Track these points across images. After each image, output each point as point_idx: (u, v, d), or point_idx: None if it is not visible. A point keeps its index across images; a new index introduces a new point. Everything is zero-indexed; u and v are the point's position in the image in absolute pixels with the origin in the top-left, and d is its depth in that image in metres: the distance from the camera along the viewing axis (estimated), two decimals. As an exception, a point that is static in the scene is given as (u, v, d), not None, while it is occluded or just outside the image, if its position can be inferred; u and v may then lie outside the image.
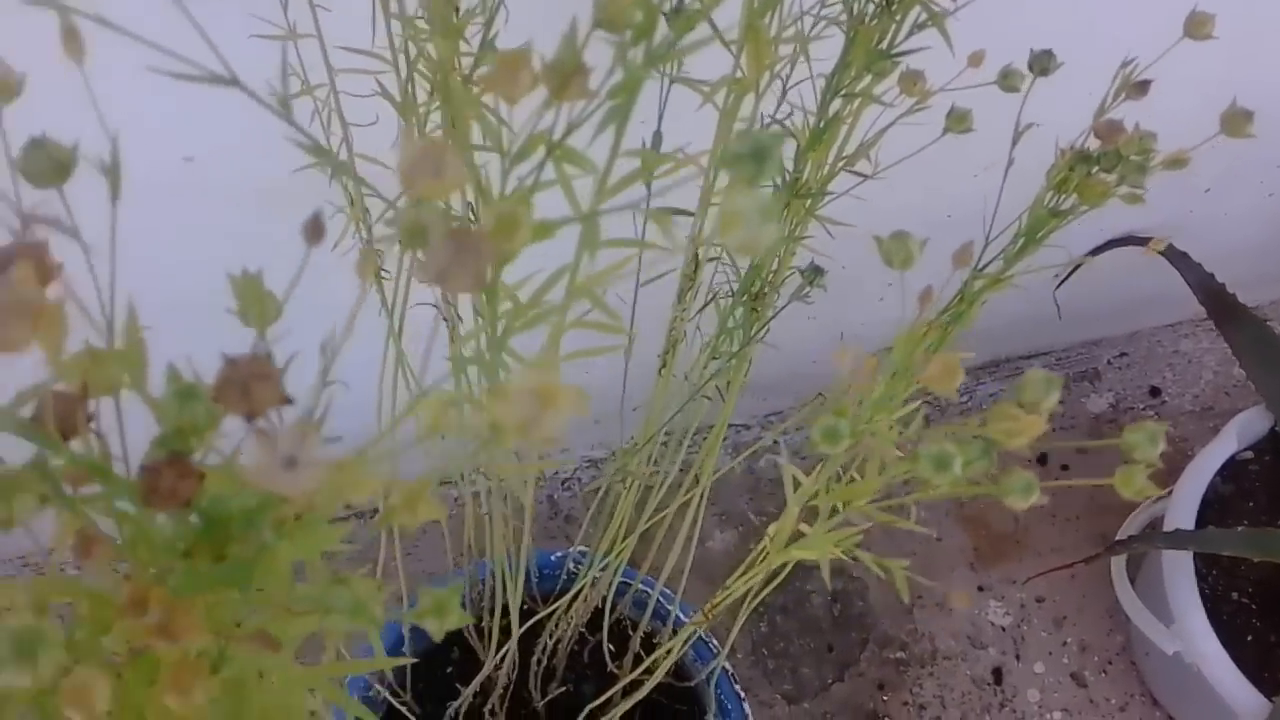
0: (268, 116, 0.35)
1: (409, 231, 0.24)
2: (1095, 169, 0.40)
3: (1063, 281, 1.17)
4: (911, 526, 0.39)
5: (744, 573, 0.51)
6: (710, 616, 0.61)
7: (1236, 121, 0.40)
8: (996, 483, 0.32)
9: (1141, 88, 0.41)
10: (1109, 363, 1.36)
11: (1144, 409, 1.32)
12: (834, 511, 0.39)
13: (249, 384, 0.18)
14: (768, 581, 0.78)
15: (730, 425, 0.83)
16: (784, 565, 0.76)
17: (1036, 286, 1.25)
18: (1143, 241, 1.10)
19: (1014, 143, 0.42)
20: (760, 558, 0.48)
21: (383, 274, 0.60)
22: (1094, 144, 0.40)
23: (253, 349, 0.18)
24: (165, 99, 0.63)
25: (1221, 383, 1.35)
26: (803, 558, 0.41)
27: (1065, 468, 1.27)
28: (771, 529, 0.44)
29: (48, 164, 0.22)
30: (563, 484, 1.27)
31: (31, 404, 0.20)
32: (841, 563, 1.30)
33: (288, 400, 0.18)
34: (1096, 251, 1.14)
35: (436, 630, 0.25)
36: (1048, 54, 0.41)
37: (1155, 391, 1.34)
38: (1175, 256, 1.08)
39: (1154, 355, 1.37)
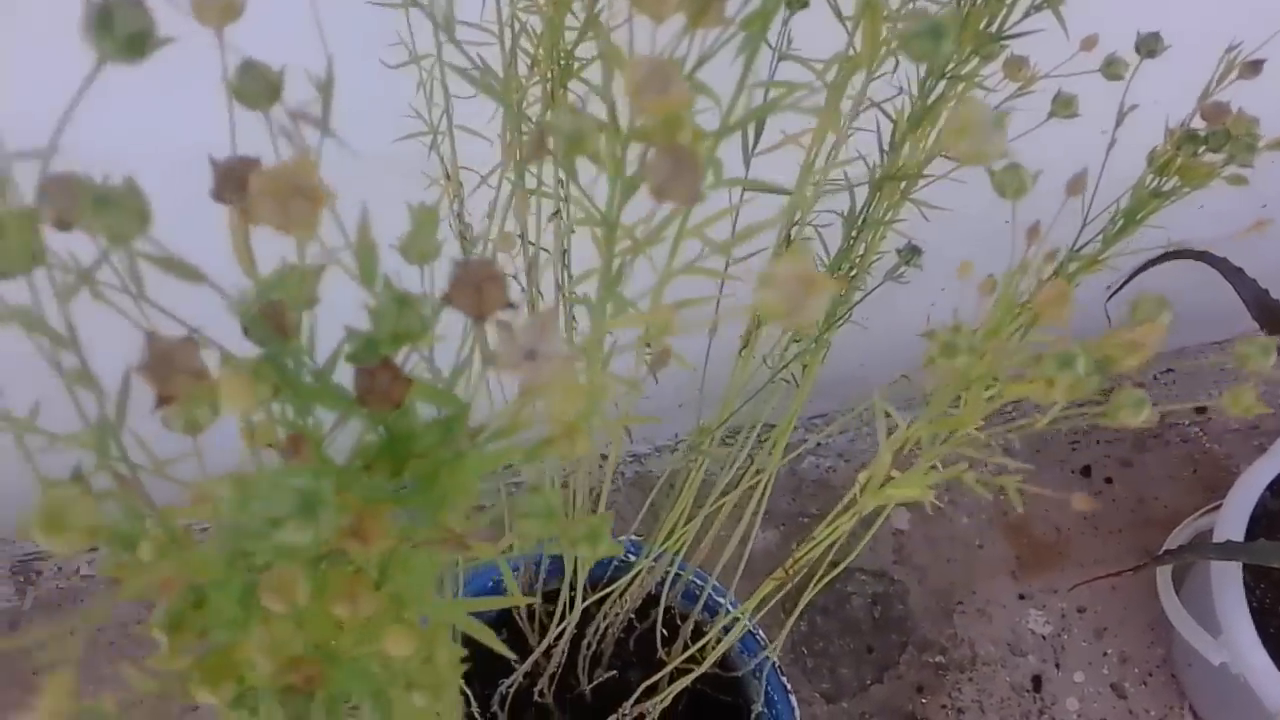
0: (351, 86, 0.36)
1: (570, 139, 0.25)
2: (1202, 149, 0.41)
3: (1115, 293, 1.17)
4: (1006, 461, 0.39)
5: (831, 522, 0.51)
6: (790, 572, 0.62)
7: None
8: (1108, 401, 0.33)
9: (1254, 67, 0.41)
10: (1155, 377, 1.36)
11: (1189, 424, 1.32)
12: (931, 444, 0.40)
13: (482, 285, 0.19)
14: (813, 578, 0.78)
15: (772, 426, 0.84)
16: (830, 566, 0.77)
17: (1086, 300, 1.25)
18: (1196, 255, 1.10)
19: (1117, 123, 0.43)
20: (847, 508, 0.49)
21: (469, 247, 0.61)
22: (1199, 125, 0.41)
23: (470, 260, 0.19)
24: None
25: (1268, 401, 1.34)
26: (899, 498, 0.42)
27: (1109, 480, 1.27)
28: (862, 476, 0.44)
29: (261, 86, 0.23)
30: (599, 486, 1.27)
31: (250, 306, 0.21)
32: (882, 566, 1.30)
33: (512, 304, 0.19)
34: (1150, 264, 1.14)
35: (590, 556, 0.26)
36: (1155, 36, 0.42)
37: (1201, 409, 1.34)
38: (1230, 271, 1.08)
39: (1201, 371, 1.37)
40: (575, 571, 0.73)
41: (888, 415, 0.45)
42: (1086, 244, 0.48)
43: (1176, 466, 1.28)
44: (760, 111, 0.31)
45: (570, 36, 0.49)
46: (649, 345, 0.50)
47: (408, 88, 0.53)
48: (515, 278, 0.62)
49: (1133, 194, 0.45)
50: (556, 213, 0.54)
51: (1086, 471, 1.27)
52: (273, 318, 0.21)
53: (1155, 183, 0.44)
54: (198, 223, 0.36)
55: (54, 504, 0.17)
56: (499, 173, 0.54)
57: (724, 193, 0.37)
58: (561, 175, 0.56)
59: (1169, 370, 1.36)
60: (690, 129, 0.23)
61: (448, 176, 0.56)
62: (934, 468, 0.43)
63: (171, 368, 0.17)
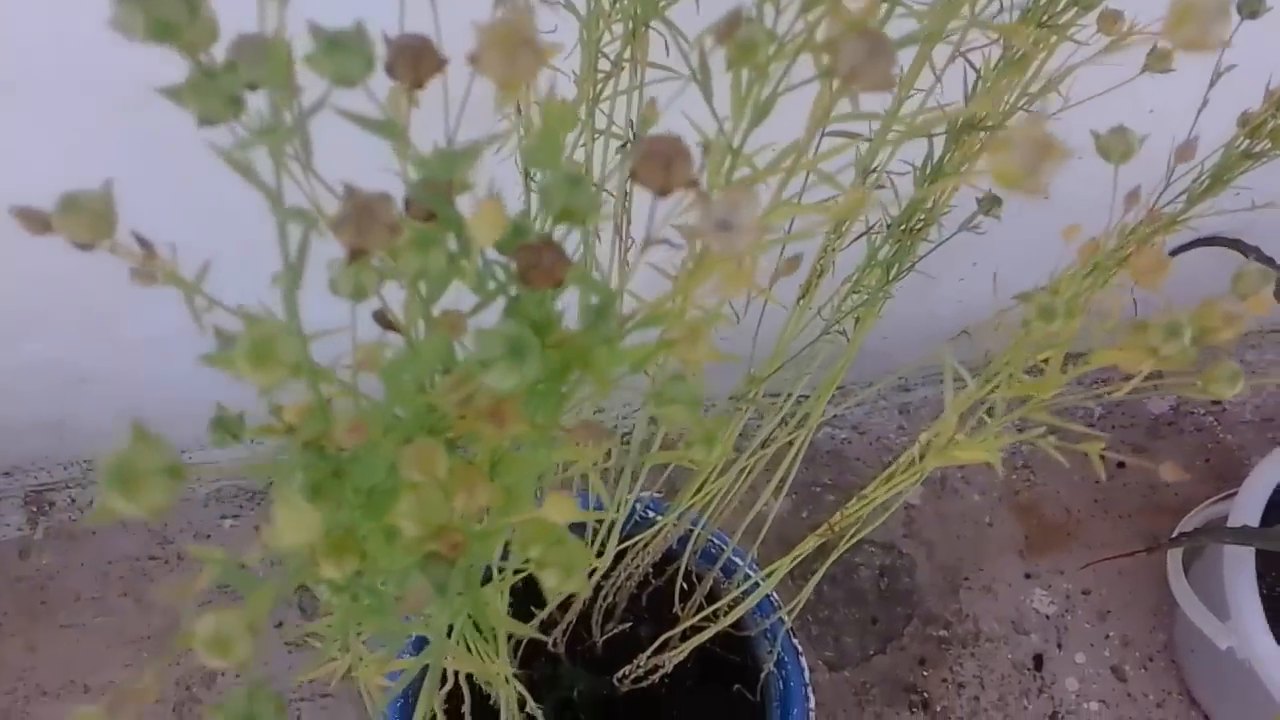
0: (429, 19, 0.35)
1: (741, 48, 0.25)
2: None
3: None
4: (1085, 431, 0.39)
5: (886, 480, 0.51)
6: (834, 529, 0.62)
7: None
8: (1202, 373, 0.33)
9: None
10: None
11: (1204, 414, 1.32)
12: (1004, 410, 0.40)
13: (671, 161, 0.18)
14: (828, 551, 0.79)
15: (789, 396, 0.84)
16: (845, 537, 0.78)
17: (1114, 284, 1.25)
18: (1229, 242, 1.10)
19: (1211, 83, 0.42)
20: (906, 468, 0.49)
21: (532, 184, 0.61)
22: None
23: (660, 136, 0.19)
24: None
25: (1283, 395, 1.35)
26: (965, 460, 0.42)
27: (1121, 465, 1.27)
28: (924, 436, 0.44)
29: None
30: (622, 439, 1.27)
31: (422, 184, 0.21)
32: (891, 539, 1.30)
33: (696, 183, 0.19)
34: (1180, 250, 1.14)
35: (703, 458, 0.25)
36: (1260, -4, 0.42)
37: (1215, 403, 1.34)
38: (1261, 260, 1.08)
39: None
40: (613, 520, 0.73)
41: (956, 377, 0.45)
42: (1169, 204, 0.48)
43: (1190, 455, 1.29)
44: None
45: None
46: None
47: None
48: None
49: (1223, 154, 0.44)
50: (625, 145, 0.53)
51: (1101, 455, 1.28)
52: (440, 191, 0.21)
53: (1246, 144, 0.43)
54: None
55: (260, 337, 0.17)
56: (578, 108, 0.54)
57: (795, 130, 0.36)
58: (632, 117, 0.55)
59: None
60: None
61: (518, 111, 0.55)
62: (1006, 431, 0.43)
63: (371, 220, 0.16)
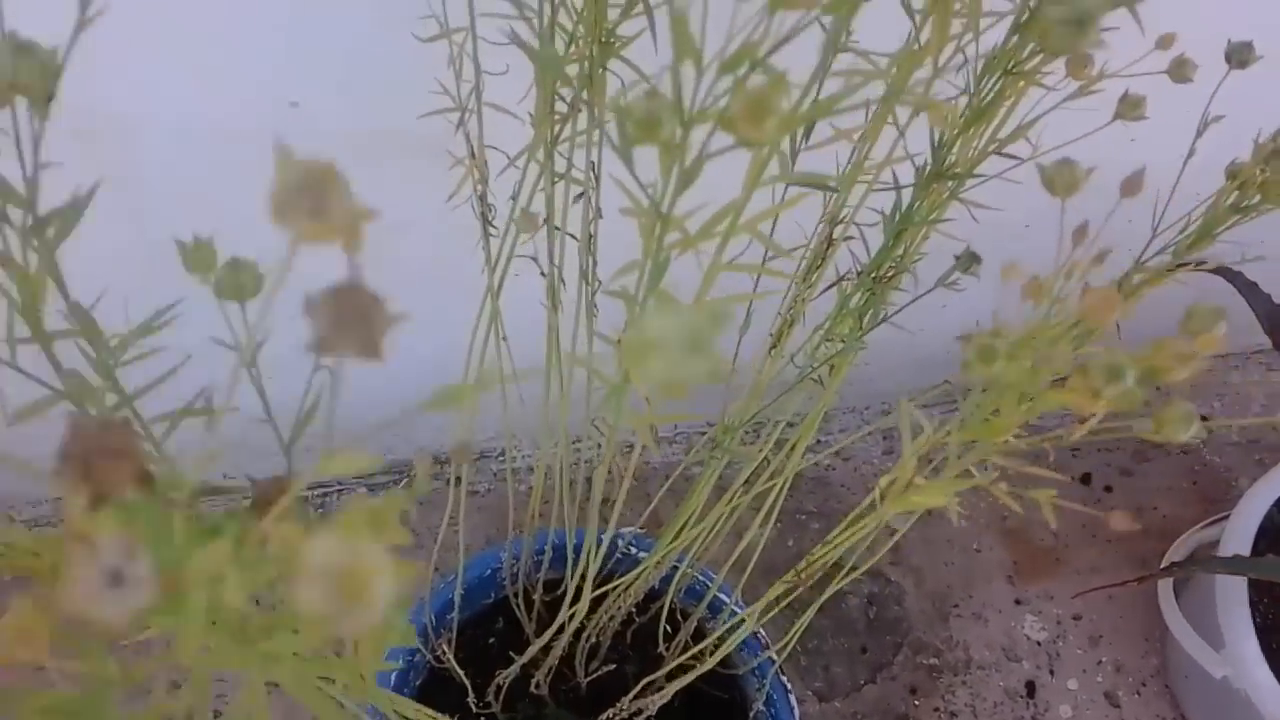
0: (377, 61, 0.34)
1: (641, 126, 0.23)
2: (1287, 168, 0.40)
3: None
4: (1046, 473, 0.38)
5: (846, 528, 0.50)
6: (802, 577, 0.60)
7: None
8: (1153, 415, 0.31)
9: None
10: (1158, 389, 1.35)
11: (1190, 437, 1.31)
12: (960, 453, 0.38)
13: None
14: (822, 584, 0.77)
15: (776, 422, 0.82)
16: (836, 568, 0.76)
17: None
18: (1213, 269, 1.09)
19: (1198, 133, 0.41)
20: (862, 515, 0.47)
21: (491, 230, 0.59)
22: None
23: (106, 418, 0.16)
24: (273, 39, 0.62)
25: (1270, 416, 1.34)
26: (923, 505, 0.40)
27: (1109, 489, 1.26)
28: (883, 480, 0.43)
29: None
30: (610, 476, 1.26)
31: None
32: (879, 567, 1.29)
33: (149, 477, 0.16)
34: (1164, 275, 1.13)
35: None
36: (1247, 46, 0.41)
37: (1203, 420, 1.33)
38: (1244, 286, 1.07)
39: (1203, 384, 1.36)
40: (582, 560, 0.71)
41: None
42: (1153, 257, 0.46)
43: (1176, 477, 1.28)
44: (826, 106, 0.29)
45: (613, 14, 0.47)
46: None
47: (438, 63, 0.51)
48: (536, 259, 0.60)
49: (1211, 207, 0.43)
50: (583, 194, 0.52)
51: (1086, 479, 1.27)
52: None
53: (1235, 197, 0.42)
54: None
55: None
56: (527, 154, 0.53)
57: (770, 188, 0.35)
58: (593, 159, 0.54)
59: (1172, 379, 1.36)
60: (776, 116, 0.21)
61: (473, 155, 0.54)
62: (963, 475, 0.42)
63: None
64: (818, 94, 0.41)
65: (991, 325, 0.36)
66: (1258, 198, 0.41)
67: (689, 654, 0.84)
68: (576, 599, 0.71)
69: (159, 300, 0.86)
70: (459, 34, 0.50)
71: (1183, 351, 0.35)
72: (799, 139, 0.44)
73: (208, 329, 0.41)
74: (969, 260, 0.44)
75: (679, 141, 0.28)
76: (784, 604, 0.87)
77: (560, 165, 0.54)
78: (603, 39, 0.47)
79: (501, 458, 1.19)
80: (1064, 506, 1.22)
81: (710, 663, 0.82)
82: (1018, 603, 1.19)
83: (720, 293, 0.39)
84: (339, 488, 1.21)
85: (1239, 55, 0.41)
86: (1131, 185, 0.40)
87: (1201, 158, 0.44)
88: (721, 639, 0.82)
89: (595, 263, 0.60)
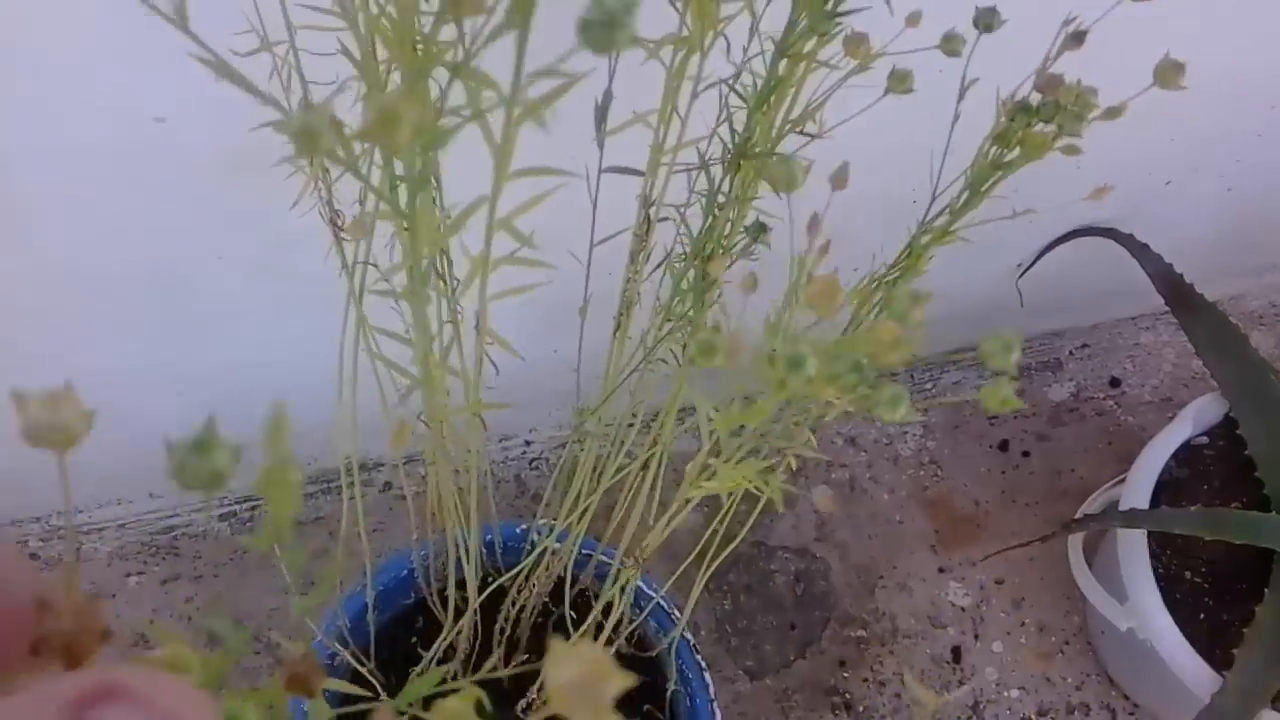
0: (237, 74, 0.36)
1: (301, 135, 0.25)
2: (1035, 121, 0.42)
3: (1025, 271, 1.19)
4: (816, 455, 0.40)
5: (675, 512, 0.52)
6: (639, 559, 0.63)
7: (1168, 73, 0.42)
8: (869, 397, 0.33)
9: (1078, 38, 0.42)
10: (1071, 353, 1.38)
11: (1104, 398, 1.34)
12: (738, 439, 0.40)
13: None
14: (720, 550, 0.79)
15: (633, 420, 0.84)
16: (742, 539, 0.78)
17: (1001, 275, 1.27)
18: (1102, 232, 1.12)
19: (960, 98, 0.43)
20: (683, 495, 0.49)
21: (342, 236, 0.61)
22: (1036, 98, 0.42)
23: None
24: (139, 55, 0.64)
25: (1180, 374, 1.37)
26: (712, 491, 0.43)
27: (1026, 454, 1.29)
28: (690, 466, 0.45)
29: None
30: (530, 464, 1.28)
31: None
32: (805, 543, 1.31)
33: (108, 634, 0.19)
34: (1058, 242, 1.16)
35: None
36: (992, 10, 0.43)
37: (1115, 382, 1.36)
38: (1136, 248, 1.11)
39: (1115, 346, 1.39)
40: (464, 556, 0.73)
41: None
42: (937, 217, 0.49)
43: (1092, 439, 1.31)
44: (543, 101, 0.31)
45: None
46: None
47: (260, 75, 0.52)
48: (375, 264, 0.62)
49: (973, 165, 0.45)
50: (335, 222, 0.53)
51: (1004, 446, 1.29)
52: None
53: (996, 154, 0.44)
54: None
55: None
56: (363, 158, 0.54)
57: (579, 170, 0.37)
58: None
59: (1084, 345, 1.39)
60: (408, 125, 0.23)
61: (311, 164, 0.55)
62: (751, 459, 0.44)
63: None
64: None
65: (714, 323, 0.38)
66: (1016, 151, 0.43)
67: (599, 635, 0.86)
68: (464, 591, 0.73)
69: (50, 322, 0.87)
70: (280, 46, 0.52)
71: (893, 336, 0.35)
72: (604, 122, 0.46)
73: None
74: (758, 230, 0.46)
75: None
76: (693, 579, 0.90)
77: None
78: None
79: (397, 467, 1.21)
80: (983, 473, 1.25)
81: (617, 643, 0.84)
82: (941, 570, 1.21)
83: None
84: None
85: (984, 19, 0.43)
86: (839, 179, 0.41)
87: (970, 120, 0.46)
88: (627, 619, 0.84)
89: (450, 262, 0.61)
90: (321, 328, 0.76)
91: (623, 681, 0.18)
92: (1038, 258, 1.17)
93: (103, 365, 0.92)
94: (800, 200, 0.52)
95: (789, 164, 0.32)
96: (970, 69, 0.44)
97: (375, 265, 0.54)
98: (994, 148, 0.44)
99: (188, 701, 0.16)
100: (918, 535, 1.23)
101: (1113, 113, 0.42)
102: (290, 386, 1.00)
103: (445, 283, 0.62)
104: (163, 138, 0.71)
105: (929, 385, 1.34)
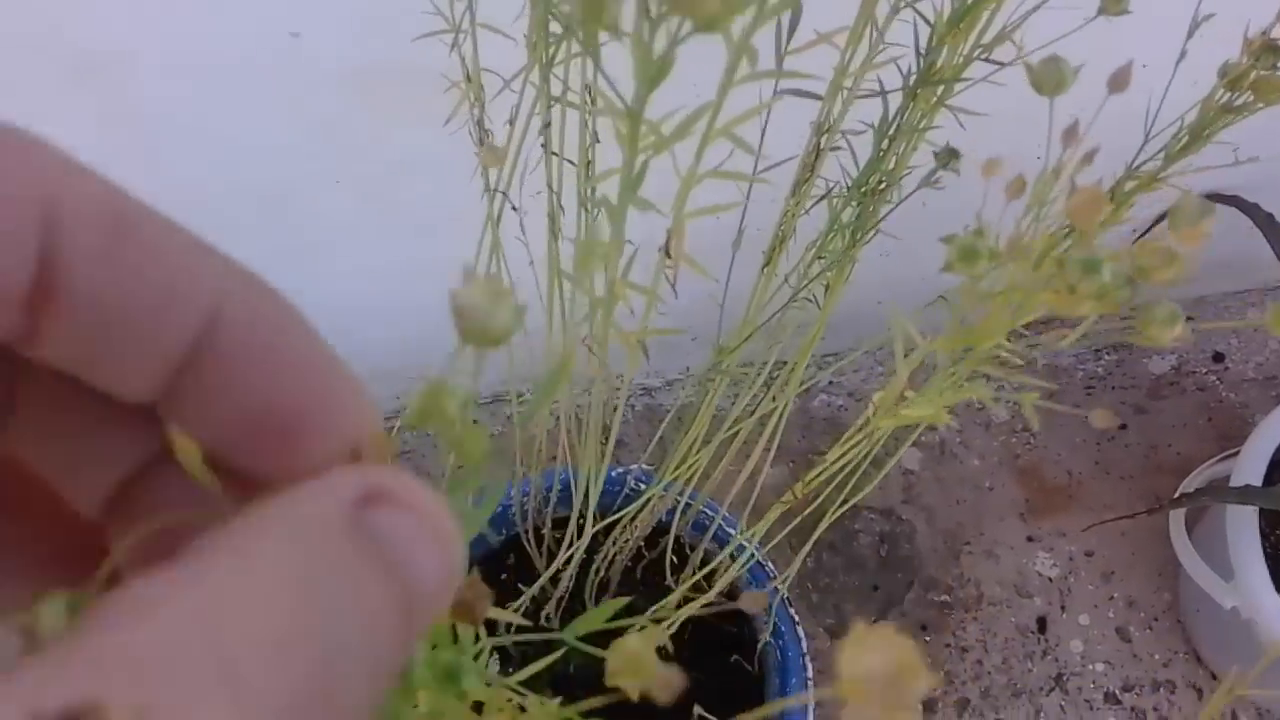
0: None
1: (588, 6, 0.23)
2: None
3: (1141, 236, 1.15)
4: (1027, 380, 0.38)
5: (846, 440, 0.50)
6: (798, 497, 0.61)
7: None
8: (1138, 315, 0.31)
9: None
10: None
11: (1206, 373, 1.30)
12: (952, 364, 0.39)
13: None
14: (823, 515, 0.78)
15: (784, 363, 0.82)
16: (841, 503, 0.77)
17: (1113, 244, 1.23)
18: (1229, 199, 1.08)
19: (1190, 33, 0.41)
20: (864, 427, 0.48)
21: (489, 147, 0.60)
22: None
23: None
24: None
25: (1287, 351, 1.33)
26: (915, 419, 0.41)
27: (1123, 426, 1.26)
28: (877, 397, 0.43)
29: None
30: (613, 410, 1.27)
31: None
32: (890, 505, 1.29)
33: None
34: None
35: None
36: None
37: (1219, 357, 1.32)
38: (1262, 218, 1.06)
39: (1220, 320, 1.35)
40: (586, 496, 0.72)
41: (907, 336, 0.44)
42: (1146, 162, 0.46)
43: (1191, 414, 1.27)
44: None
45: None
46: (669, 255, 0.48)
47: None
48: (506, 194, 0.61)
49: (1201, 108, 0.43)
50: (547, 125, 0.52)
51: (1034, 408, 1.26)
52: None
53: (1227, 97, 0.42)
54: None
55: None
56: (523, 76, 0.53)
57: (754, 92, 0.35)
58: (589, 82, 0.54)
59: (1189, 318, 1.34)
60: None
61: (468, 79, 0.54)
62: (951, 387, 0.42)
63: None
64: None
65: (974, 226, 0.36)
66: (1250, 95, 0.41)
67: (692, 582, 0.85)
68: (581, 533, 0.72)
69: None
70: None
71: (1167, 249, 0.34)
72: (783, 40, 0.44)
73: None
74: (948, 156, 0.44)
75: (643, 33, 0.28)
76: (783, 536, 0.88)
77: (556, 88, 0.55)
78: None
79: (511, 401, 1.20)
80: (1078, 444, 1.23)
81: (714, 590, 0.83)
82: (1030, 540, 1.19)
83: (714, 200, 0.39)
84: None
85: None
86: (1119, 80, 0.39)
87: (1195, 60, 0.43)
88: (727, 569, 0.83)
89: (594, 189, 0.60)
90: (432, 259, 0.75)
91: (929, 681, 0.17)
92: (1153, 225, 1.13)
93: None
94: (978, 128, 0.50)
95: (1058, 64, 0.30)
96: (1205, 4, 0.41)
97: (552, 188, 0.53)
98: (1226, 91, 0.42)
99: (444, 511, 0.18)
100: (1007, 503, 1.21)
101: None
102: (372, 321, 0.99)
103: (587, 210, 0.60)
104: (291, 54, 0.70)
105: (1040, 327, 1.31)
